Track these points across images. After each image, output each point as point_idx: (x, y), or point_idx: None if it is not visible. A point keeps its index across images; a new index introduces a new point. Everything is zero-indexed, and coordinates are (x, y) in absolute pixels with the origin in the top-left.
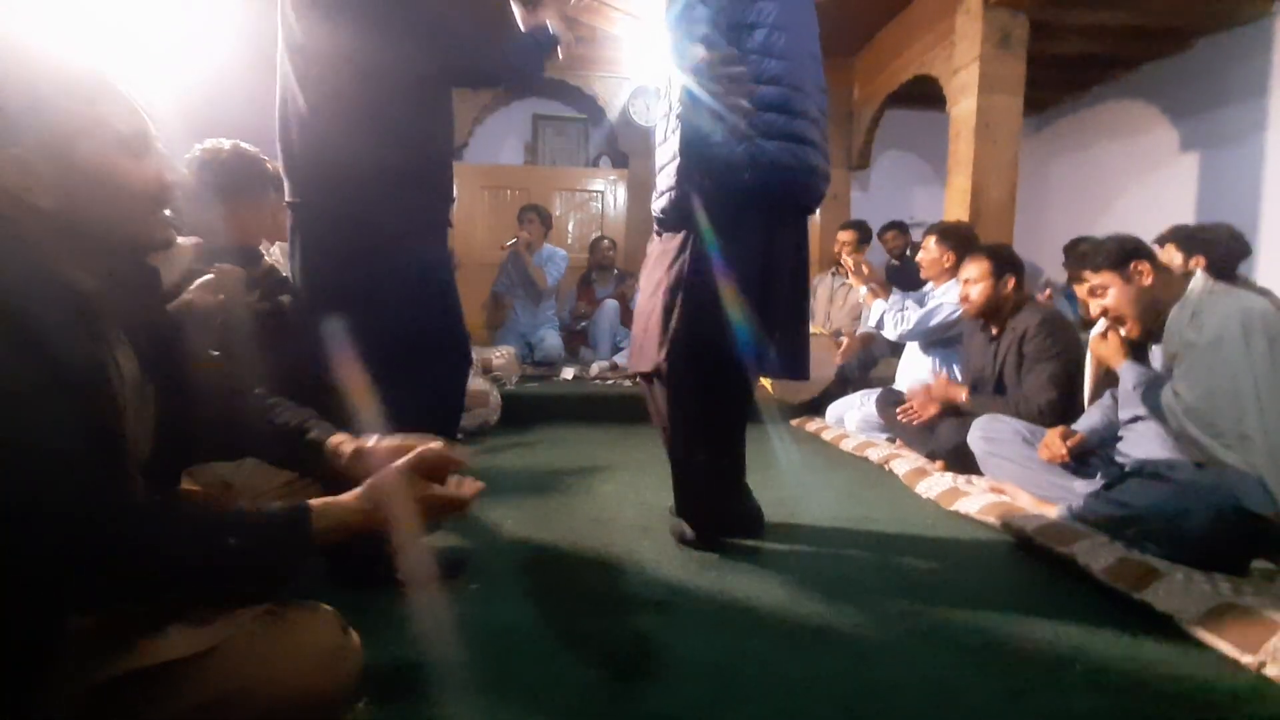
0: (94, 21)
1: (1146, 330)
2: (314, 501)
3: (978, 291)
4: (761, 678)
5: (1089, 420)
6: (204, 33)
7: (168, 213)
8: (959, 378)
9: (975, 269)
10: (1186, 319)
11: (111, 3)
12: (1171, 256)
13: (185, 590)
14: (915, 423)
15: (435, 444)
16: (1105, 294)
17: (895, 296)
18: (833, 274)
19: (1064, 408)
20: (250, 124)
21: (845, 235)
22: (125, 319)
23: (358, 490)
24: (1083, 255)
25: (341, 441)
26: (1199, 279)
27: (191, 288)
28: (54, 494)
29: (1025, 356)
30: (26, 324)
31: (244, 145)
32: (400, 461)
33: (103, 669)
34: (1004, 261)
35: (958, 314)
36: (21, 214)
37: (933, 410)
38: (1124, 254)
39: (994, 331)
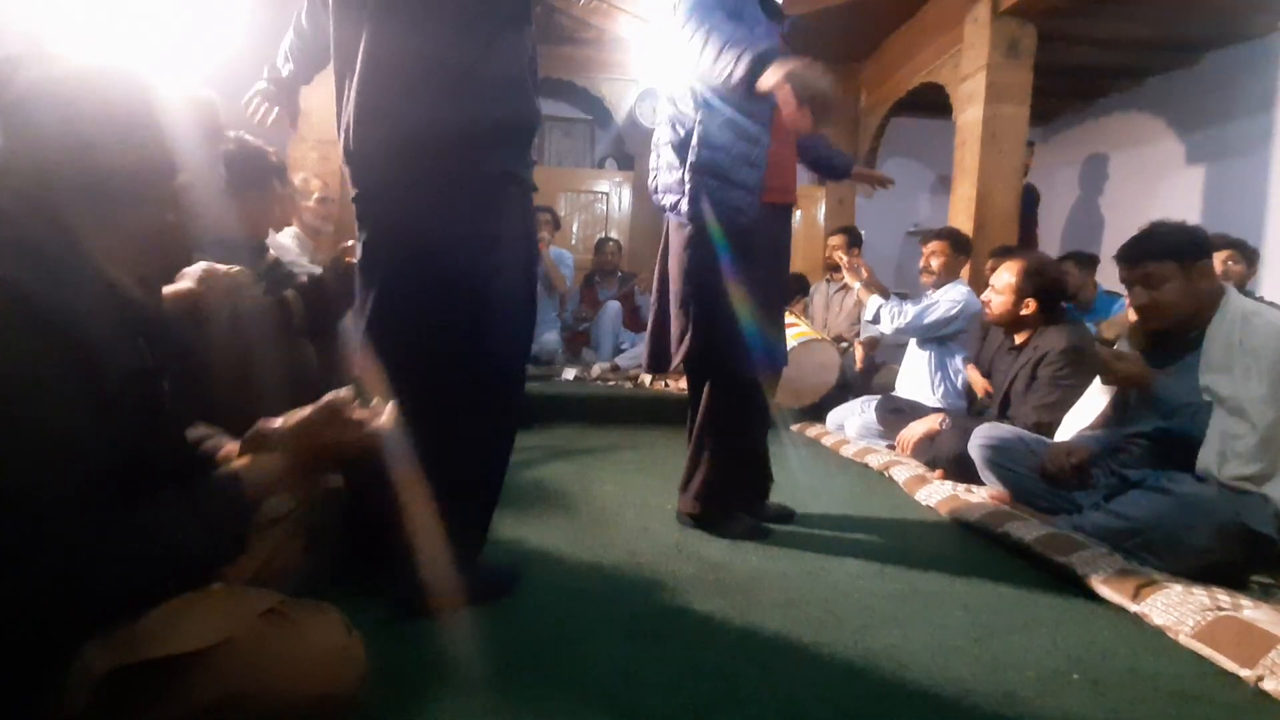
0: (104, 14)
1: (1172, 333)
2: (235, 466)
3: (998, 304)
4: (760, 680)
5: (1090, 439)
6: (214, 26)
7: None
8: (953, 377)
9: (1005, 278)
10: (1235, 336)
11: None
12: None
13: (141, 592)
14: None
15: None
16: (1161, 286)
17: (893, 299)
18: (828, 280)
19: (1049, 437)
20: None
21: (835, 240)
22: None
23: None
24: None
25: (229, 451)
26: (1233, 294)
27: (196, 281)
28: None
29: (1038, 378)
30: (76, 332)
31: (247, 137)
32: (301, 413)
33: (108, 660)
34: (1034, 283)
35: (955, 310)
36: (107, 224)
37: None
38: (1193, 248)
39: (1017, 340)
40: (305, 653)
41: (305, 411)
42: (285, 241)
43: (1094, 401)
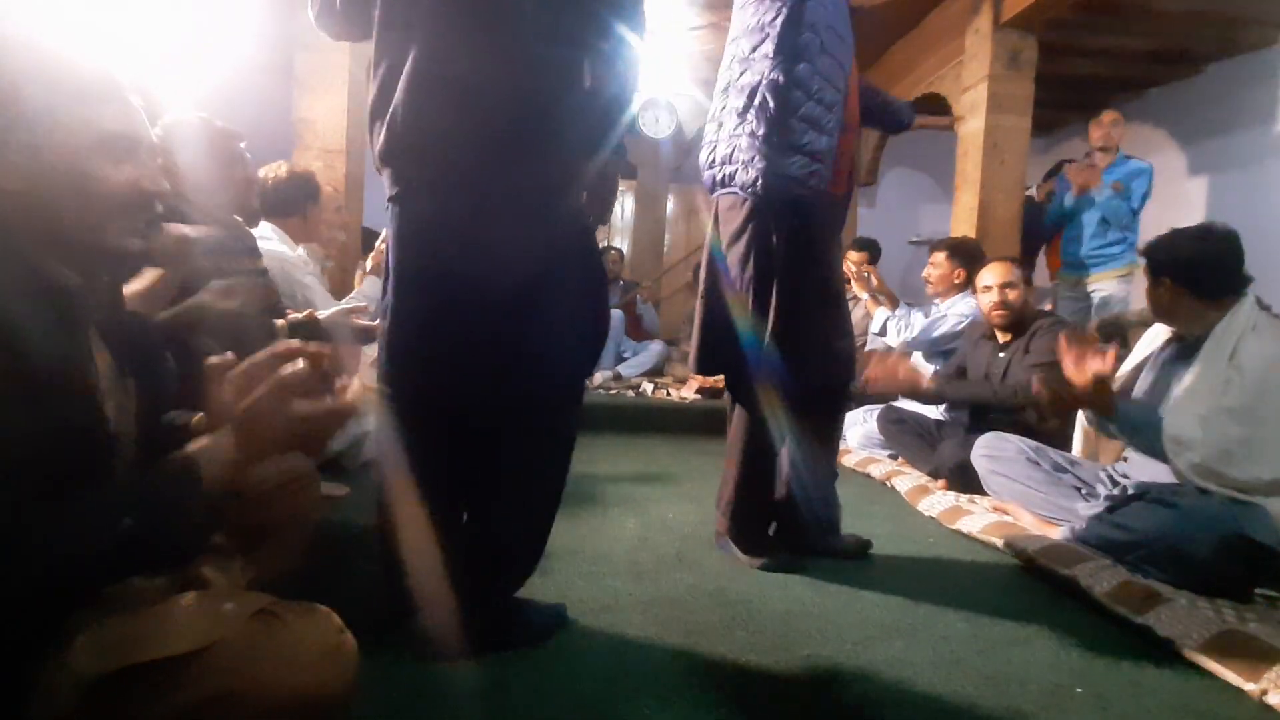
0: (111, 22)
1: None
2: (190, 450)
3: (1015, 295)
4: (761, 691)
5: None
6: (220, 34)
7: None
8: None
9: (1013, 274)
10: (1232, 345)
11: (130, 5)
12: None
13: (94, 577)
14: (867, 389)
15: (296, 362)
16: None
17: (901, 308)
18: None
19: (1055, 408)
20: (265, 124)
21: (856, 255)
22: (95, 315)
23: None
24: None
25: (198, 416)
26: (1248, 302)
27: (206, 291)
28: None
29: (1031, 351)
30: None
31: (204, 115)
32: (260, 388)
33: (96, 664)
34: (1025, 274)
35: (963, 325)
36: (6, 208)
37: (884, 386)
38: (1158, 260)
39: (1003, 340)
40: (296, 653)
41: (256, 393)
42: (299, 252)
43: None
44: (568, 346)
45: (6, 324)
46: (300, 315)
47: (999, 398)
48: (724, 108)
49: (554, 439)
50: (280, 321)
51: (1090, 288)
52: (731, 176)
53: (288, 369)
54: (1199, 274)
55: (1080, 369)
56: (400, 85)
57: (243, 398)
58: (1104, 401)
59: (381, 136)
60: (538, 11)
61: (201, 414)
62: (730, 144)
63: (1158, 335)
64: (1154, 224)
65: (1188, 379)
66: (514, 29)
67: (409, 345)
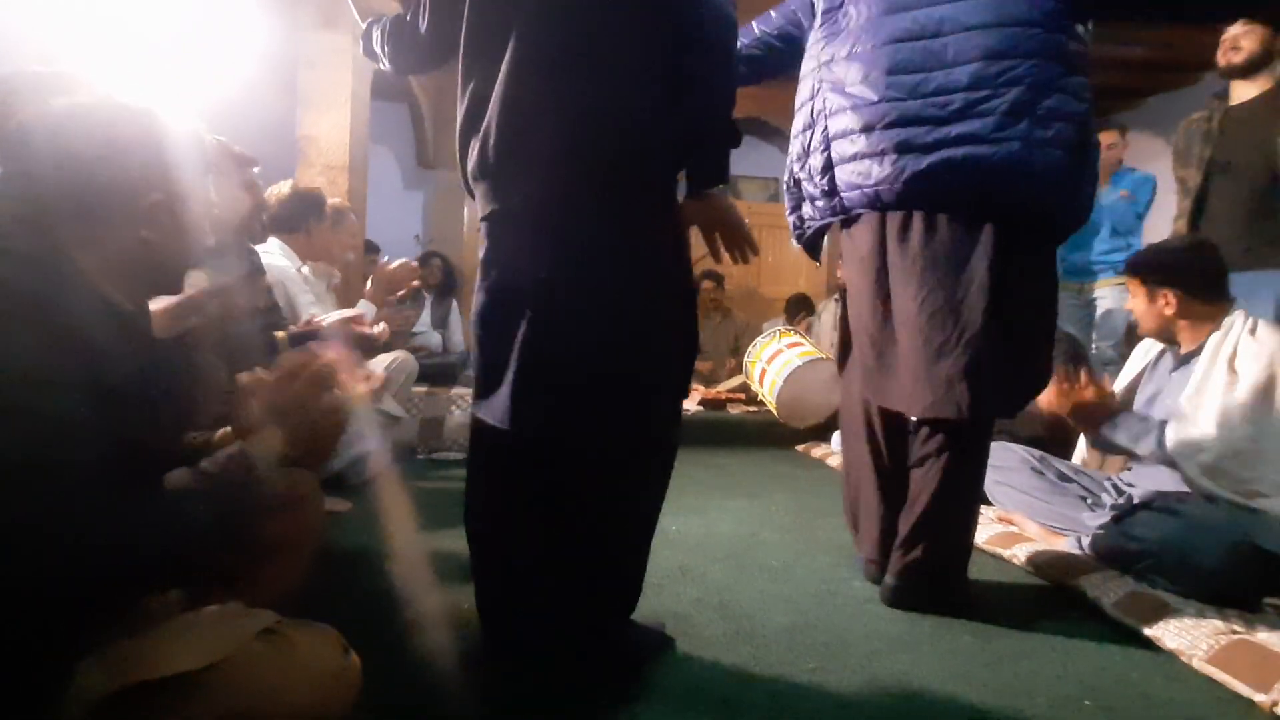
0: (116, 40)
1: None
2: (243, 446)
3: None
4: (767, 705)
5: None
6: (223, 52)
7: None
8: None
9: None
10: (1229, 350)
11: (133, 22)
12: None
13: (166, 564)
14: None
15: (324, 361)
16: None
17: None
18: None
19: (1058, 422)
20: (269, 141)
21: None
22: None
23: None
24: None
25: (225, 435)
26: (1238, 312)
27: (202, 291)
28: (53, 502)
29: None
30: (78, 331)
31: (222, 139)
32: (289, 391)
33: (104, 682)
34: None
35: None
36: (93, 244)
37: None
38: (1157, 272)
39: None
40: (300, 673)
41: (295, 386)
42: (304, 269)
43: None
44: (675, 368)
45: (88, 340)
46: (297, 327)
47: (1015, 426)
48: (916, 92)
49: (662, 459)
50: (280, 334)
51: (1095, 294)
52: (1021, 158)
53: (318, 364)
54: (1201, 277)
55: (1072, 395)
56: (495, 103)
57: (282, 395)
58: (1103, 411)
59: (474, 154)
60: (630, 29)
61: (224, 429)
62: (1030, 127)
63: (1150, 348)
64: (1153, 233)
65: (1192, 384)
66: (610, 50)
67: (545, 370)
